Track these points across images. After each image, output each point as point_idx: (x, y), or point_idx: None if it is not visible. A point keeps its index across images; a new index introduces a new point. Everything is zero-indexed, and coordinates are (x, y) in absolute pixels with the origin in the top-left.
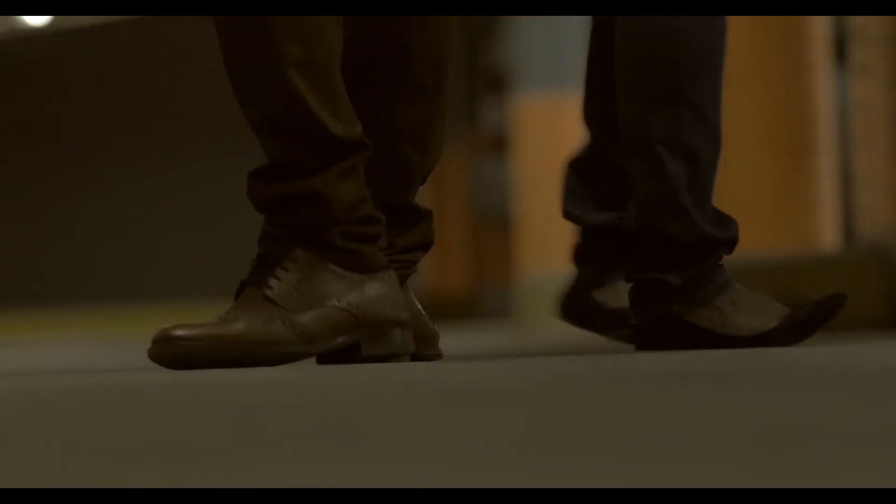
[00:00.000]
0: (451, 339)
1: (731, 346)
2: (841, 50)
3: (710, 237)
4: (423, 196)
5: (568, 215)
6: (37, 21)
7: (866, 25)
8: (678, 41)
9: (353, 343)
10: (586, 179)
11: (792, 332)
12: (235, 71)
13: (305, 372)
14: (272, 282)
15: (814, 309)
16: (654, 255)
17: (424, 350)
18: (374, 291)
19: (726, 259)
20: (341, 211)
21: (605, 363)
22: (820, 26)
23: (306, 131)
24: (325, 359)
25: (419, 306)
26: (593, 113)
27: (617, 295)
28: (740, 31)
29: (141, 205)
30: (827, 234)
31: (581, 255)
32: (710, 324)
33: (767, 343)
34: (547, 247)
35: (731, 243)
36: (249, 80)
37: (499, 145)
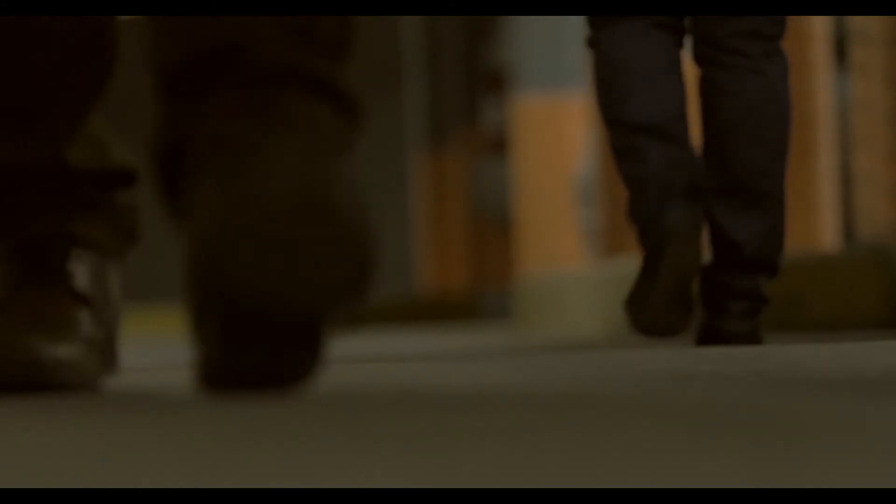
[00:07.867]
0: (451, 340)
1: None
2: (841, 50)
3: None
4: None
5: None
6: None
7: (866, 25)
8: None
9: None
10: None
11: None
12: None
13: None
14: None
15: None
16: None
17: None
18: None
19: None
20: None
21: (604, 363)
22: (820, 26)
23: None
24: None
25: None
26: None
27: None
28: None
29: (140, 204)
30: (827, 234)
31: None
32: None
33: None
34: (547, 247)
35: None
36: None
37: (499, 145)
